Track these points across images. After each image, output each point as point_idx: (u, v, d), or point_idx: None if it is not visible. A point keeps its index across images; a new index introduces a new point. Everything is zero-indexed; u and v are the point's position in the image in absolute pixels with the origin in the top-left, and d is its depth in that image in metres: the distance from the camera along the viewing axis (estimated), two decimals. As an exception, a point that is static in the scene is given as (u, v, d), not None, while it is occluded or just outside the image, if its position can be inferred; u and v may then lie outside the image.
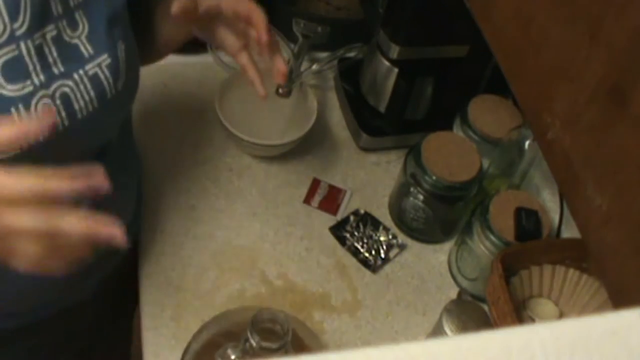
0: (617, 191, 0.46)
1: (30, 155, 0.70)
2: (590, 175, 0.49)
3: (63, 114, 0.72)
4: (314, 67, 1.19)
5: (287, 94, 1.14)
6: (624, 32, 0.44)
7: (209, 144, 1.16)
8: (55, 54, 0.72)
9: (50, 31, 0.71)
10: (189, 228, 1.05)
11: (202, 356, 0.87)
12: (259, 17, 0.85)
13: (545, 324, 0.28)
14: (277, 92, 1.14)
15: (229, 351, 0.83)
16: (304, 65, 1.19)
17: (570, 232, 1.06)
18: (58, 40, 0.72)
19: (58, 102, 0.71)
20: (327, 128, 1.23)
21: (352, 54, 1.24)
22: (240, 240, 1.05)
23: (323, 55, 1.24)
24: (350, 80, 1.23)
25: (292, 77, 1.14)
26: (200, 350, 0.88)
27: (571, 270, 0.94)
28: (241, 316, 0.89)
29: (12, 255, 0.60)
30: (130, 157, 0.95)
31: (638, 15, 0.43)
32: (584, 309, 0.94)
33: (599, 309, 0.91)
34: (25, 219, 0.58)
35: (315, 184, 1.14)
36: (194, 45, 1.25)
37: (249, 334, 0.77)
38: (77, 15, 0.74)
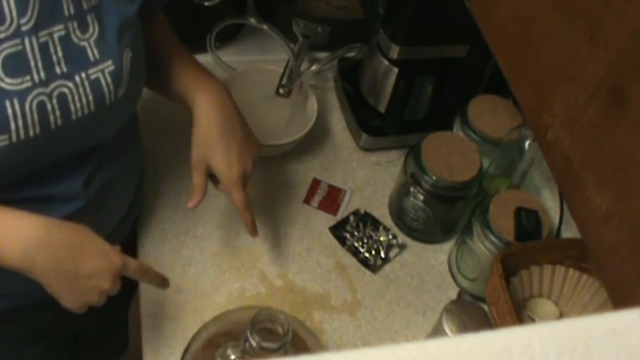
0: (617, 191, 0.46)
1: (23, 146, 0.71)
2: (590, 175, 0.49)
3: (57, 113, 0.72)
4: (314, 67, 1.19)
5: (287, 94, 1.14)
6: (624, 32, 0.44)
7: (209, 144, 1.16)
8: (60, 53, 0.72)
9: (59, 31, 0.72)
10: (189, 228, 1.05)
11: (202, 356, 0.87)
12: (245, 215, 0.92)
13: (545, 324, 0.28)
14: (277, 92, 1.14)
15: (229, 351, 0.83)
16: (304, 65, 1.19)
17: (570, 232, 1.06)
18: (66, 40, 0.72)
19: (54, 101, 0.72)
20: (327, 128, 1.23)
21: (352, 54, 1.24)
22: (240, 240, 1.05)
23: (323, 55, 1.24)
24: (350, 80, 1.23)
25: (292, 77, 1.14)
26: (200, 350, 0.88)
27: (571, 270, 0.94)
28: (241, 316, 0.89)
29: (86, 304, 0.78)
30: (130, 145, 0.95)
31: (638, 15, 0.43)
32: (584, 309, 0.94)
33: (599, 309, 0.91)
34: (117, 286, 0.78)
35: (315, 184, 1.14)
36: (193, 46, 1.26)
37: (249, 334, 0.77)
38: (88, 18, 0.74)
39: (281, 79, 1.14)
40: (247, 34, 1.31)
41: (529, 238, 0.95)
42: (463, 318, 0.89)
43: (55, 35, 0.71)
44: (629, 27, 0.44)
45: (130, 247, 1.03)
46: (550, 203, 1.12)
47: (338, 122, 1.24)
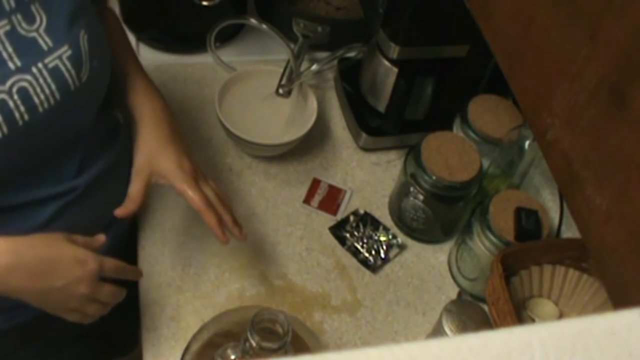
0: (617, 191, 0.46)
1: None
2: (590, 175, 0.49)
3: (22, 108, 0.71)
4: (314, 67, 1.19)
5: (287, 94, 1.14)
6: (624, 32, 0.44)
7: (208, 144, 1.16)
8: (9, 49, 0.71)
9: (3, 26, 0.70)
10: (189, 228, 1.05)
11: (202, 356, 0.87)
12: (205, 215, 0.85)
13: (545, 324, 0.28)
14: (277, 92, 1.14)
15: (229, 351, 0.83)
16: (304, 65, 1.19)
17: (570, 232, 1.06)
18: (12, 34, 0.71)
19: (15, 97, 0.70)
20: (327, 128, 1.23)
21: (352, 54, 1.24)
22: (240, 241, 1.05)
23: (323, 55, 1.24)
24: (350, 80, 1.23)
25: (292, 77, 1.14)
26: (200, 350, 0.88)
27: (571, 270, 0.94)
28: (241, 316, 0.89)
29: (79, 314, 0.79)
30: (117, 130, 0.94)
31: (638, 15, 0.43)
32: (584, 309, 0.94)
33: (599, 309, 0.91)
34: (105, 291, 0.78)
35: (315, 184, 1.14)
36: (193, 46, 1.26)
37: (249, 334, 0.76)
38: (32, 8, 0.73)
39: (281, 79, 1.14)
40: (247, 34, 1.31)
41: (529, 238, 0.95)
42: (463, 318, 0.89)
43: (1, 32, 0.70)
44: (629, 27, 0.44)
45: (130, 247, 1.03)
46: (550, 203, 1.12)
47: (338, 122, 1.24)
